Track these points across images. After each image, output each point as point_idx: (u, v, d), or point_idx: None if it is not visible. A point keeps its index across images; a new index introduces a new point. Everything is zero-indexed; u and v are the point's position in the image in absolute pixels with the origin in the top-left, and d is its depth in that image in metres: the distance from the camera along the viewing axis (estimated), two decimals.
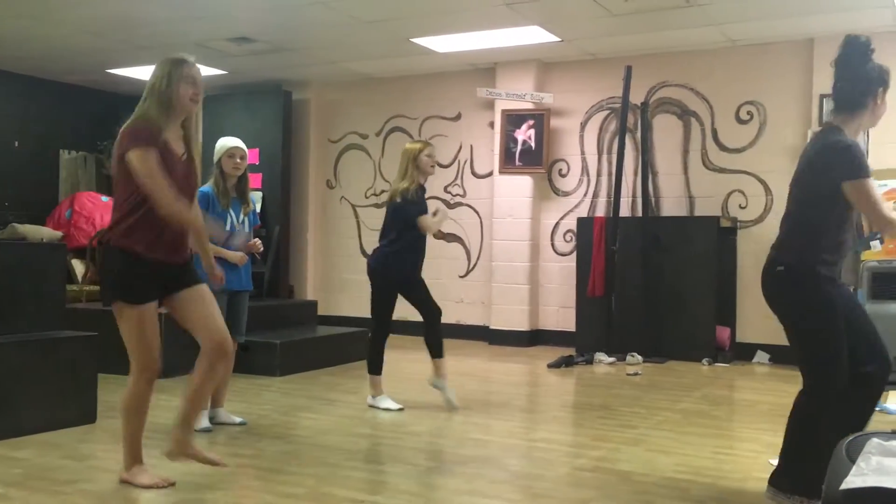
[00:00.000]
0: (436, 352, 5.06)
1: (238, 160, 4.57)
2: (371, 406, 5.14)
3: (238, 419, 4.66)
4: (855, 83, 3.08)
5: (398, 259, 4.99)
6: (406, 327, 9.18)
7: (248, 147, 4.74)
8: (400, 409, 5.04)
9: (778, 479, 3.18)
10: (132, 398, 3.38)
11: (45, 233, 8.66)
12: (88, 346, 4.62)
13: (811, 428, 3.11)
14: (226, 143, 4.59)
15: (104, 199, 9.32)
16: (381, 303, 5.06)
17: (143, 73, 9.05)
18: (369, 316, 5.14)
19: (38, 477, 3.54)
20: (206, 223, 3.95)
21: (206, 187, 4.51)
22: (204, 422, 4.45)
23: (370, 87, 9.35)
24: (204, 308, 3.40)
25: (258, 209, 7.80)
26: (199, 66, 3.44)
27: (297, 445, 4.22)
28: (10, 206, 9.11)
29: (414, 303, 5.12)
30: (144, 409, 3.43)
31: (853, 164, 2.97)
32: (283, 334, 6.64)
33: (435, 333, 5.07)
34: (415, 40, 7.60)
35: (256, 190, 8.66)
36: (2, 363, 4.18)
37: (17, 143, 9.47)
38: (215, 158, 4.59)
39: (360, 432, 4.53)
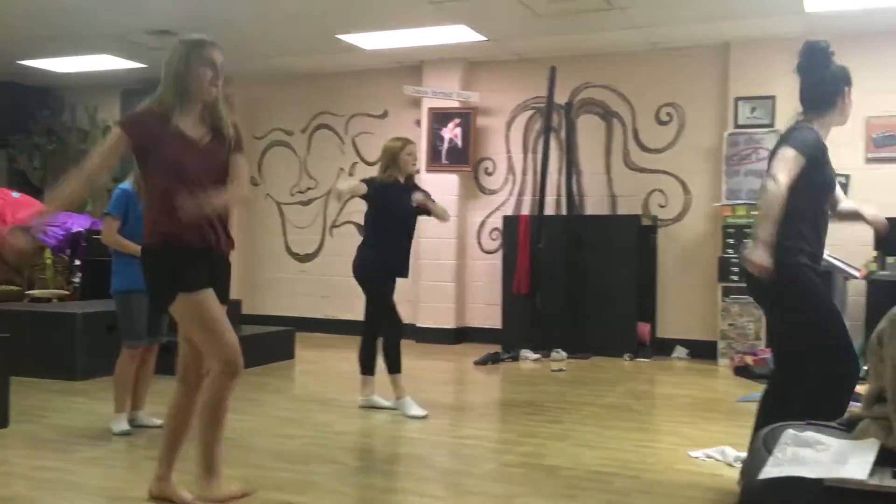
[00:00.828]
0: (394, 366, 5.01)
1: None
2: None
3: (158, 421, 4.50)
4: (823, 84, 3.23)
5: (381, 254, 5.02)
6: (340, 326, 9.08)
7: None
8: (359, 408, 5.05)
9: None
10: (214, 396, 3.06)
11: None
12: None
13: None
14: None
15: (15, 195, 8.94)
16: (377, 295, 5.04)
17: (56, 64, 8.73)
18: (362, 319, 5.17)
19: None
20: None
21: (126, 185, 4.38)
22: (123, 424, 4.33)
23: (295, 83, 9.23)
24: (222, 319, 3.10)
25: None
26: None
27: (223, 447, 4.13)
28: None
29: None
30: (225, 409, 3.09)
31: (799, 139, 3.12)
32: None
33: (396, 344, 5.04)
34: (340, 37, 7.54)
35: None
36: None
37: None
38: None
39: (287, 433, 4.47)
